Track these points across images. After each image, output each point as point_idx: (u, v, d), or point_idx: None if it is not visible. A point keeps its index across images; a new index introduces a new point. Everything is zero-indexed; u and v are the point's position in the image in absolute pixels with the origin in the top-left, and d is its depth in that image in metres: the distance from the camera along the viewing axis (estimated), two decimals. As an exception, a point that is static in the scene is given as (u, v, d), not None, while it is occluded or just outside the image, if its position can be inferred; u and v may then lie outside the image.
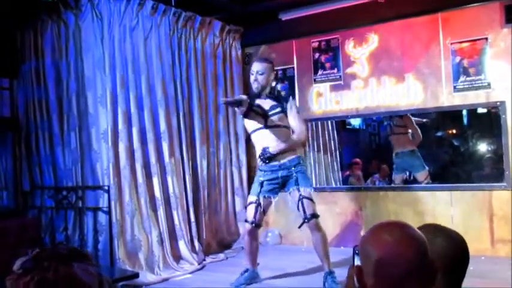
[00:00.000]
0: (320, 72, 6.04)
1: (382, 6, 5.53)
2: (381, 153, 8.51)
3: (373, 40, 5.76)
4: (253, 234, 4.34)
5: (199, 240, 5.39)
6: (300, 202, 4.20)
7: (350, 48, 5.88)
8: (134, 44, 5.01)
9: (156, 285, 4.58)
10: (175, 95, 5.35)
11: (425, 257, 1.33)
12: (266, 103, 4.28)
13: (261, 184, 4.27)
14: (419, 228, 1.93)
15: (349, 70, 5.88)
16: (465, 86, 5.19)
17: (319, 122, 6.79)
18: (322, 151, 6.94)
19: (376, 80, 5.71)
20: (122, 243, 4.63)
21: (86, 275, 1.15)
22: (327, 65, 5.99)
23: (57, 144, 5.08)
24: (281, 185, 4.30)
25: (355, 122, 8.56)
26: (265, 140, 4.24)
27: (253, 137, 4.36)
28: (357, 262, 1.40)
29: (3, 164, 5.37)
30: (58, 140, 5.08)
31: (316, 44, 6.09)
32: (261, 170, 4.32)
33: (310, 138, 6.91)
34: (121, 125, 4.80)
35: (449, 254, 1.80)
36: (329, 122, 6.95)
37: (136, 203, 4.82)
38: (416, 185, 6.05)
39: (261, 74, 4.25)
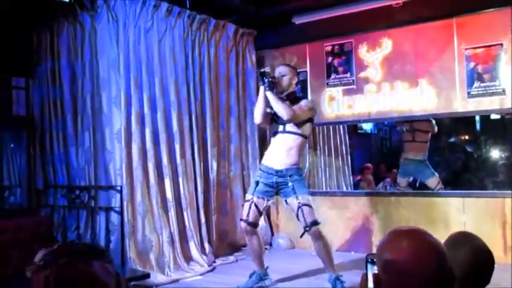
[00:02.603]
0: (333, 76, 6.04)
1: (396, 10, 5.52)
2: (392, 157, 8.49)
3: (386, 44, 5.75)
4: (249, 232, 4.34)
5: (209, 241, 5.40)
6: (299, 210, 4.15)
7: (363, 52, 5.87)
8: (148, 46, 5.05)
9: (166, 286, 4.60)
10: (187, 96, 5.38)
11: (444, 265, 1.32)
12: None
13: (257, 184, 4.32)
14: (450, 236, 1.93)
15: (362, 74, 5.86)
16: (479, 92, 5.16)
17: (331, 126, 6.80)
18: (333, 155, 6.94)
19: (389, 85, 5.69)
20: (133, 243, 4.66)
21: (105, 274, 1.16)
22: (340, 69, 5.99)
23: (71, 143, 5.14)
24: (275, 190, 4.31)
25: (367, 127, 8.56)
26: (280, 144, 4.30)
27: (272, 138, 4.42)
28: (370, 270, 1.39)
29: (18, 162, 5.43)
30: (72, 140, 5.14)
31: (329, 48, 6.08)
32: (260, 170, 4.40)
33: (321, 142, 6.92)
34: (134, 126, 4.83)
35: (472, 264, 1.79)
36: (341, 126, 6.96)
37: (148, 203, 4.85)
38: (429, 191, 6.02)
39: (283, 76, 4.30)
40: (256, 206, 4.31)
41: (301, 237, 4.32)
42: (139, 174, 4.81)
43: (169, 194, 5.03)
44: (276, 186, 4.28)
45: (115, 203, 4.77)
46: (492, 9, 5.14)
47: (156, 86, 5.07)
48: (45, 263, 1.14)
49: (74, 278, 1.12)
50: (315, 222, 4.16)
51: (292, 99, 4.33)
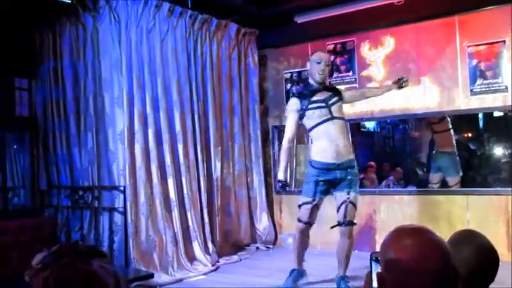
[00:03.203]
0: (335, 74, 6.03)
1: (398, 8, 5.50)
2: (395, 156, 8.49)
3: (389, 43, 5.74)
4: (305, 233, 4.27)
5: (212, 241, 5.41)
6: (344, 205, 4.12)
7: (366, 50, 5.87)
8: (151, 46, 5.05)
9: (170, 285, 4.62)
10: (190, 96, 5.38)
11: (448, 264, 1.32)
12: (324, 93, 4.25)
13: (316, 184, 4.10)
14: (455, 233, 1.93)
15: (364, 73, 5.86)
16: (482, 89, 5.15)
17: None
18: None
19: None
20: (137, 244, 4.67)
21: (105, 274, 1.16)
22: (342, 67, 5.98)
23: (74, 144, 5.15)
24: (335, 184, 4.16)
25: (370, 125, 8.55)
26: (332, 133, 4.11)
27: (315, 131, 4.19)
28: (375, 269, 1.38)
29: (21, 163, 5.45)
30: (75, 140, 5.15)
31: (331, 47, 6.08)
32: (315, 168, 4.13)
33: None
34: (137, 126, 4.84)
35: (477, 262, 1.80)
36: (344, 125, 6.93)
37: (151, 203, 4.85)
38: (432, 189, 6.00)
39: (327, 65, 4.29)
40: (317, 206, 4.22)
41: (331, 228, 4.28)
42: (142, 174, 4.81)
43: (172, 194, 5.03)
44: (338, 181, 4.13)
45: (118, 203, 4.78)
46: (494, 7, 5.13)
47: (158, 86, 5.08)
48: (44, 264, 1.14)
49: (73, 278, 1.12)
50: (352, 223, 4.18)
51: (330, 88, 4.45)
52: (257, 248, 6.07)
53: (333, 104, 4.20)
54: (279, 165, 4.27)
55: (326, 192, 4.20)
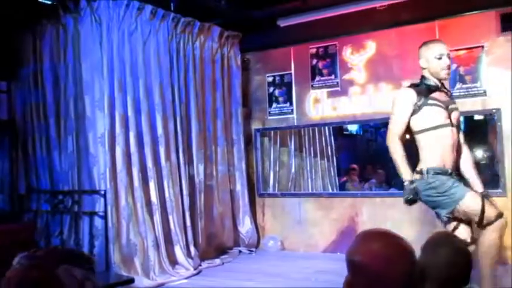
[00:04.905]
0: (317, 78, 6.07)
1: (379, 13, 5.55)
2: (378, 159, 8.52)
3: (370, 47, 5.80)
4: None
5: (195, 245, 5.38)
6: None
7: (348, 54, 5.91)
8: (133, 49, 5.02)
9: (151, 290, 4.58)
10: (172, 99, 5.36)
11: (414, 267, 1.34)
12: (444, 96, 3.42)
13: (459, 181, 3.30)
14: (432, 236, 1.96)
15: (346, 76, 5.90)
16: (461, 93, 5.22)
17: (316, 128, 6.82)
18: (319, 157, 6.96)
19: (374, 87, 5.74)
20: (118, 248, 4.62)
21: (68, 277, 1.17)
22: (325, 71, 6.02)
23: (54, 147, 5.09)
24: None
25: (353, 128, 8.60)
26: (451, 142, 3.32)
27: (427, 136, 3.33)
28: None
29: (0, 167, 5.36)
30: (55, 144, 5.09)
31: (314, 51, 6.11)
32: (440, 173, 3.25)
33: (307, 144, 6.94)
34: (118, 129, 4.80)
35: (452, 263, 1.83)
36: (326, 128, 6.97)
37: (132, 207, 4.81)
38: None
39: (449, 58, 3.43)
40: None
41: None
42: (123, 177, 4.77)
43: (154, 198, 5.00)
44: None
45: (99, 207, 4.73)
46: (473, 12, 5.21)
47: (140, 89, 5.04)
48: (19, 264, 1.17)
49: (35, 279, 1.14)
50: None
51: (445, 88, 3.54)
52: (240, 251, 6.06)
53: (453, 110, 3.40)
54: (399, 165, 3.32)
55: None
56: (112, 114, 4.79)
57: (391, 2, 5.43)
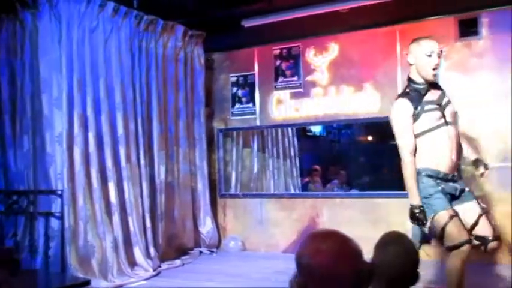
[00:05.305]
0: (281, 79, 6.10)
1: (342, 16, 5.62)
2: (340, 160, 8.63)
3: (333, 49, 5.86)
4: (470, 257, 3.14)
5: (155, 246, 5.33)
6: (482, 217, 3.26)
7: (311, 56, 5.96)
8: (93, 46, 4.92)
9: (109, 291, 4.51)
10: (134, 98, 5.28)
11: (362, 267, 1.37)
12: (435, 93, 3.33)
13: (444, 192, 3.18)
14: (383, 235, 2.00)
15: (309, 78, 5.95)
16: (420, 97, 5.31)
17: (279, 129, 6.86)
18: (282, 158, 7.00)
19: (336, 89, 5.80)
20: (74, 250, 4.53)
21: None
22: (288, 72, 6.05)
23: (9, 146, 4.94)
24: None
25: (316, 129, 8.66)
26: (449, 142, 3.24)
27: (421, 140, 3.25)
28: None
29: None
30: (10, 142, 4.94)
31: (277, 52, 6.14)
32: (429, 176, 3.20)
33: (270, 145, 6.97)
34: (77, 129, 4.70)
35: (399, 262, 1.89)
36: (289, 129, 7.03)
37: (90, 208, 4.72)
38: (373, 192, 6.13)
39: (439, 57, 3.31)
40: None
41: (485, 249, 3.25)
42: (81, 178, 4.68)
43: (113, 199, 4.92)
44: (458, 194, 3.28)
45: (55, 208, 4.61)
46: (433, 18, 5.33)
47: (100, 88, 4.95)
48: None
49: None
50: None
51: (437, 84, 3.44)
52: (201, 252, 6.04)
53: (447, 105, 3.33)
54: (410, 187, 3.18)
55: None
56: (70, 114, 4.69)
57: (354, 6, 5.49)
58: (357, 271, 1.34)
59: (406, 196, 5.29)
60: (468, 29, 5.23)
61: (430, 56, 3.25)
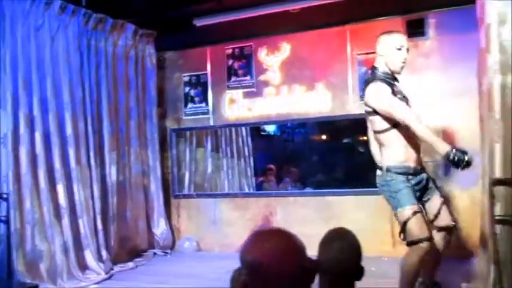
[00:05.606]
0: (233, 78, 6.10)
1: (294, 16, 5.67)
2: (295, 159, 8.71)
3: (285, 49, 5.90)
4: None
5: (107, 248, 5.22)
6: (443, 206, 3.40)
7: (263, 56, 5.99)
8: (39, 45, 4.78)
9: (59, 297, 4.40)
10: (83, 98, 5.16)
11: (304, 262, 1.38)
12: (398, 86, 3.37)
13: (413, 189, 3.24)
14: (328, 232, 2.03)
15: (261, 77, 5.98)
16: (370, 95, 5.42)
17: (233, 129, 6.86)
18: (236, 157, 7.00)
19: (288, 88, 5.85)
20: (21, 254, 4.39)
21: None
22: (240, 72, 6.06)
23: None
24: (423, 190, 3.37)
25: (270, 129, 8.72)
26: (414, 135, 3.18)
27: (390, 134, 3.26)
28: None
29: None
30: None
31: (230, 51, 6.14)
32: (398, 173, 3.23)
33: (223, 144, 6.96)
34: (22, 129, 4.56)
35: (343, 257, 1.92)
36: (243, 128, 7.04)
37: (38, 211, 4.58)
38: (326, 190, 6.22)
39: (407, 52, 3.35)
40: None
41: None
42: (28, 180, 4.54)
43: (62, 201, 4.79)
44: (425, 185, 3.36)
45: (1, 211, 4.45)
46: (382, 18, 5.43)
47: (47, 87, 4.82)
48: None
49: None
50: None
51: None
52: (154, 253, 5.97)
53: (407, 99, 3.37)
54: (434, 141, 3.04)
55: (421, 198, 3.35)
56: (16, 114, 4.54)
57: (305, 6, 5.55)
58: (301, 268, 1.36)
59: (359, 194, 5.50)
60: (415, 29, 5.36)
61: (399, 49, 3.29)
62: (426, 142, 3.13)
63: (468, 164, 2.92)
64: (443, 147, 2.99)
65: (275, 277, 1.32)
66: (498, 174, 3.31)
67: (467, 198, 4.92)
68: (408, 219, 3.12)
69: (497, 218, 3.31)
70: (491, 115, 3.38)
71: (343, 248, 1.92)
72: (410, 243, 3.15)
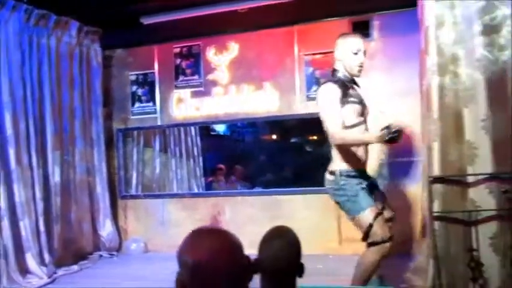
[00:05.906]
0: (181, 78, 6.05)
1: (242, 16, 5.67)
2: (245, 158, 8.73)
3: (233, 48, 5.91)
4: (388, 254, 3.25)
5: (49, 251, 5.07)
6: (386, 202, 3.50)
7: (211, 55, 5.97)
8: (-24, 41, 4.60)
9: (-3, 302, 4.24)
10: (24, 96, 4.99)
11: (242, 260, 1.39)
12: (356, 90, 3.42)
13: (367, 190, 3.29)
14: (269, 230, 2.05)
15: (210, 77, 5.96)
16: (315, 96, 5.50)
17: (182, 128, 6.80)
18: (184, 157, 6.95)
19: (236, 87, 5.86)
20: (-43, 259, 4.21)
21: None
22: (188, 71, 6.02)
23: None
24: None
25: (220, 129, 8.70)
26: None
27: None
28: None
29: None
30: None
31: (177, 50, 6.09)
32: (352, 177, 3.26)
33: (172, 144, 6.89)
34: (-41, 129, 4.37)
35: (283, 255, 1.94)
36: (192, 128, 6.99)
37: (-25, 213, 4.40)
38: (274, 189, 6.27)
39: (365, 54, 3.40)
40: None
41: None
42: (-36, 182, 4.35)
43: (1, 203, 4.62)
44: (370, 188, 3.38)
45: None
46: (328, 19, 5.52)
47: (-14, 85, 4.63)
48: None
49: None
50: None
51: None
52: (100, 255, 5.84)
53: (364, 104, 3.42)
54: (360, 138, 3.25)
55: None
56: (-49, 113, 4.35)
57: (252, 6, 5.56)
58: (238, 265, 1.36)
59: (307, 192, 5.56)
60: (361, 31, 5.45)
61: (356, 54, 3.32)
62: (363, 143, 3.29)
63: (400, 132, 3.00)
64: (374, 137, 3.11)
65: (212, 276, 1.33)
66: (436, 172, 3.45)
67: (410, 195, 5.08)
68: (373, 221, 3.16)
69: (435, 214, 3.45)
70: (429, 115, 3.52)
71: (283, 246, 1.94)
72: (374, 244, 3.18)
